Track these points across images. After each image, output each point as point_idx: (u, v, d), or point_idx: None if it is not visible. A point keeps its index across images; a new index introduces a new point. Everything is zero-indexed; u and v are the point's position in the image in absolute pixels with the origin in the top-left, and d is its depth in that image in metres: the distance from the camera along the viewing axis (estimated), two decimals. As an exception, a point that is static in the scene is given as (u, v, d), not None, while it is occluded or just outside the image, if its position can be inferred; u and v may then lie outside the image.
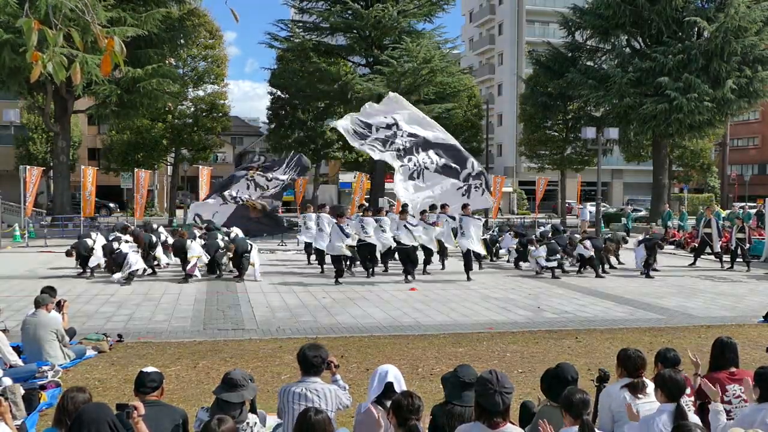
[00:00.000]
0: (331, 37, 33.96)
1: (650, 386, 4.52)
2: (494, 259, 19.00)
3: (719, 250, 18.41)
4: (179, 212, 39.87)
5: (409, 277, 14.52)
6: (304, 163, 23.18)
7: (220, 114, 40.18)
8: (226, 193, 21.29)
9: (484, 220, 17.62)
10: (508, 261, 18.40)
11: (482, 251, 16.01)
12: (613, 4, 31.72)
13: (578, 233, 18.89)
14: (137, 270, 14.21)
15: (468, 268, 15.04)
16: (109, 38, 3.10)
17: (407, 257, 14.90)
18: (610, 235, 19.25)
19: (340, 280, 14.32)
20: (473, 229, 15.12)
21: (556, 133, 39.89)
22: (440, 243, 15.98)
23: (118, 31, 23.72)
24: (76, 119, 40.62)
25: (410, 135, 17.49)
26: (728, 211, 26.73)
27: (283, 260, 18.64)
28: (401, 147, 17.32)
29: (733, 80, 30.52)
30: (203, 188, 27.64)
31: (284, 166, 22.46)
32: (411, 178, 17.27)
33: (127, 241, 15.12)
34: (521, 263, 17.26)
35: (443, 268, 16.47)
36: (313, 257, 17.09)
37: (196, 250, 14.36)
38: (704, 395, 4.96)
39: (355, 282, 14.47)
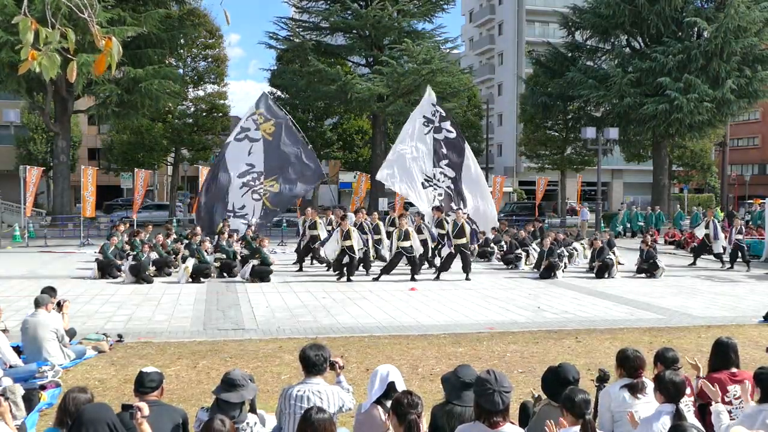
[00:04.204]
0: (331, 36, 33.97)
1: (650, 386, 4.51)
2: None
3: (720, 251, 18.43)
4: (179, 214, 39.86)
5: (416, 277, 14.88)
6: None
7: (220, 114, 40.17)
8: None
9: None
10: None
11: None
12: (613, 3, 31.74)
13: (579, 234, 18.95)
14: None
15: (466, 268, 15.14)
16: (107, 38, 3.09)
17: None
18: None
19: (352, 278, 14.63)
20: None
21: (556, 133, 39.88)
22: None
23: (117, 31, 23.73)
24: (76, 119, 40.62)
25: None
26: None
27: (283, 260, 18.63)
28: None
29: (733, 80, 30.54)
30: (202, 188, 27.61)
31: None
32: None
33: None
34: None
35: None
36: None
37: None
38: (705, 396, 4.95)
39: (355, 282, 14.48)
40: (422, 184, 17.15)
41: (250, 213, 17.83)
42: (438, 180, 17.34)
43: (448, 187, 17.34)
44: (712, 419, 4.46)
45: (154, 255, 15.03)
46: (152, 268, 14.69)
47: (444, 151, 17.32)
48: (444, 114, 17.79)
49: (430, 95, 17.90)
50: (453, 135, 17.44)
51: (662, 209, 31.23)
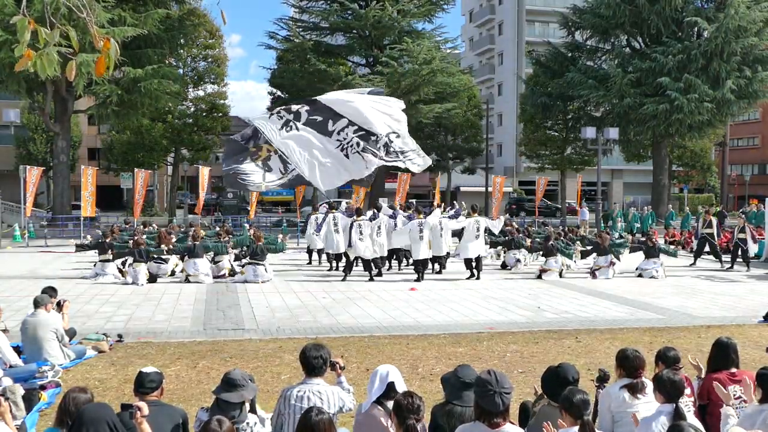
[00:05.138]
0: (331, 36, 33.96)
1: (650, 386, 4.51)
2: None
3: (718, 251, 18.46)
4: (179, 212, 39.89)
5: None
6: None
7: (220, 114, 40.17)
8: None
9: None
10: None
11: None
12: (613, 3, 31.75)
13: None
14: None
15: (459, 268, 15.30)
16: (105, 39, 3.09)
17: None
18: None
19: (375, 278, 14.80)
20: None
21: (556, 133, 39.88)
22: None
23: (117, 31, 23.72)
24: (76, 119, 40.61)
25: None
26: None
27: (283, 260, 18.63)
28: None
29: (733, 81, 30.53)
30: (203, 188, 27.65)
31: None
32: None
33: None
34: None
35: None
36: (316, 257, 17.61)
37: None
38: (705, 397, 4.95)
39: (355, 282, 14.47)
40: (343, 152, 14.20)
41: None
42: (344, 139, 14.14)
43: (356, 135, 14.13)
44: (721, 422, 4.45)
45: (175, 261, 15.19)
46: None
47: (319, 119, 14.11)
48: (292, 108, 14.48)
49: (257, 122, 14.50)
50: (307, 108, 14.36)
51: (658, 209, 31.25)
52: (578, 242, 17.90)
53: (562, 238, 17.47)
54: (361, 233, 14.48)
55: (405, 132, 14.70)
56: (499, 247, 18.12)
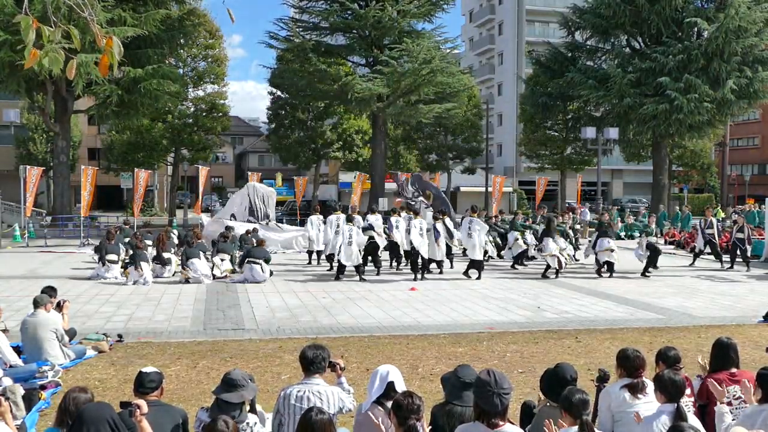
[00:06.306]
0: (331, 36, 33.95)
1: (650, 386, 4.51)
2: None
3: (702, 248, 18.52)
4: (179, 212, 39.90)
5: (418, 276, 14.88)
6: None
7: (220, 114, 40.12)
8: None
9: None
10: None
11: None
12: (613, 3, 31.72)
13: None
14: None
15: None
16: (108, 38, 3.09)
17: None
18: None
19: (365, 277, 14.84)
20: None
21: (556, 133, 39.86)
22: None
23: (117, 31, 23.69)
24: (76, 119, 40.57)
25: None
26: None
27: (282, 260, 18.64)
28: None
29: (734, 81, 30.50)
30: (202, 188, 27.70)
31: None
32: None
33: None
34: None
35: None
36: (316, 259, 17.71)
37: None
38: (704, 396, 4.95)
39: (354, 282, 14.47)
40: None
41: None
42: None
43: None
44: (715, 419, 4.45)
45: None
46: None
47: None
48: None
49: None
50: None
51: (657, 209, 31.23)
52: (575, 220, 18.15)
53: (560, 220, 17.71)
54: (350, 237, 14.50)
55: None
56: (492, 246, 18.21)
